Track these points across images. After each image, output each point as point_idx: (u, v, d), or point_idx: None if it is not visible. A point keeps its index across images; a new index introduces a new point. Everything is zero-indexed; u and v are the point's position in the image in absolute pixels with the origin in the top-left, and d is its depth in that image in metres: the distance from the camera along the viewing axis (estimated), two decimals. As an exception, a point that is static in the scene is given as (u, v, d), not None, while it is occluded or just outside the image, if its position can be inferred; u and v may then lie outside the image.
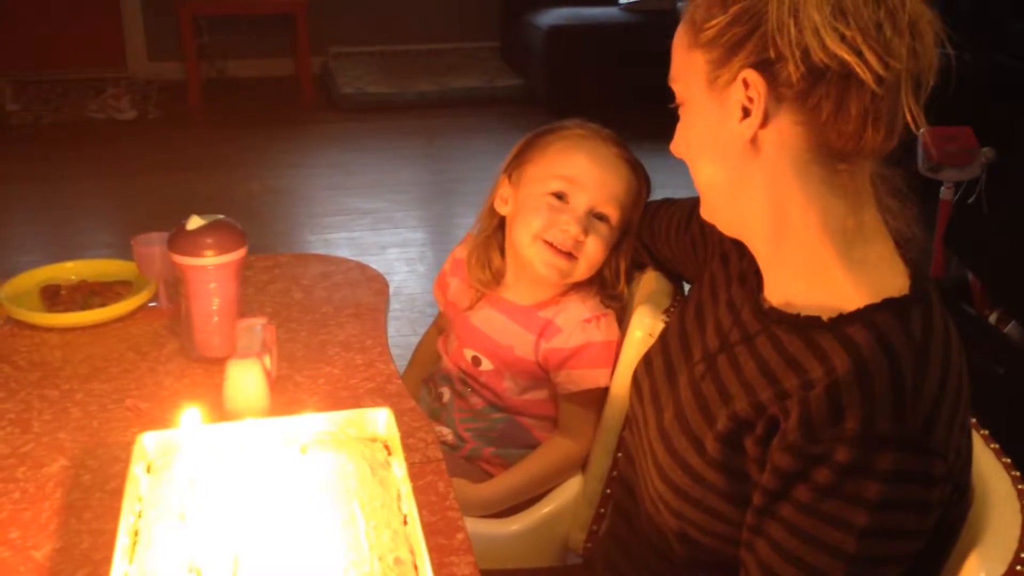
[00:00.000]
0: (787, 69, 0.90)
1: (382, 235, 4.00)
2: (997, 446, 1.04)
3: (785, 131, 0.94)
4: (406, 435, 1.20)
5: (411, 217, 4.24)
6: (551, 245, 1.45)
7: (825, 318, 0.95)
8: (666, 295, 1.43)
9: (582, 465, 1.52)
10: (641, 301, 1.43)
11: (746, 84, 0.93)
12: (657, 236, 1.44)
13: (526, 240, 1.47)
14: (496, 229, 1.56)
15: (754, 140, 0.95)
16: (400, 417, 1.20)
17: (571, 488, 1.51)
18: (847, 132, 0.91)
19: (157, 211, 3.82)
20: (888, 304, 0.94)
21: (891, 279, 0.97)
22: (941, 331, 0.94)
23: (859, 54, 0.88)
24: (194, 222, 1.42)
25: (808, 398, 0.91)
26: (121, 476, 1.11)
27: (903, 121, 0.94)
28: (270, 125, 5.29)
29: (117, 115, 5.34)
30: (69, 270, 1.68)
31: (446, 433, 1.59)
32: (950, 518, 0.96)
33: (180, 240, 1.41)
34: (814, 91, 0.90)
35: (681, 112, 1.03)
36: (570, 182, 1.45)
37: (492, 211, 1.56)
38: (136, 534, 1.02)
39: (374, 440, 1.18)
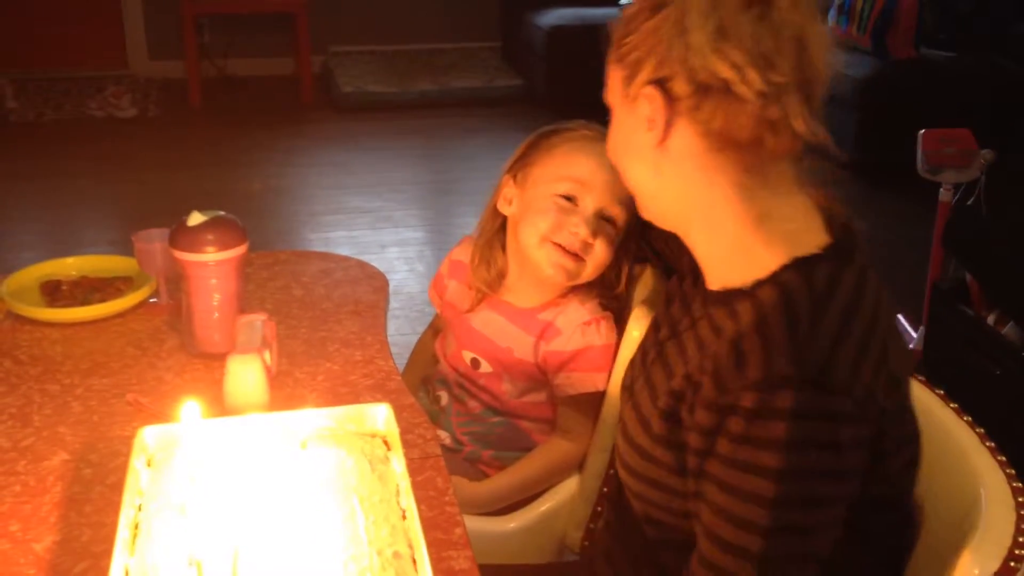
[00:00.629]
0: (679, 86, 0.98)
1: (382, 234, 4.01)
2: (992, 444, 1.05)
3: (687, 139, 1.01)
4: (405, 431, 1.20)
5: (411, 216, 4.24)
6: (559, 247, 1.45)
7: (747, 287, 1.01)
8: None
9: (580, 465, 1.52)
10: (640, 301, 1.44)
11: (648, 99, 1.01)
12: (649, 227, 1.44)
13: (534, 241, 1.47)
14: (499, 230, 1.56)
15: (662, 147, 1.02)
16: (399, 413, 1.20)
17: (568, 486, 1.52)
18: (743, 139, 0.98)
19: (157, 209, 3.82)
20: (796, 262, 0.99)
21: (806, 244, 1.01)
22: (851, 284, 0.98)
23: (739, 71, 0.95)
24: (195, 218, 1.42)
25: (718, 351, 0.98)
26: (121, 470, 1.12)
27: (810, 123, 0.98)
28: (270, 124, 5.30)
29: (118, 113, 5.34)
30: (70, 266, 1.69)
31: (444, 436, 1.59)
32: (890, 469, 0.99)
33: (181, 236, 1.42)
34: (704, 105, 0.98)
35: (610, 119, 1.11)
36: (579, 184, 1.45)
37: (495, 212, 1.55)
38: (136, 527, 1.03)
39: (373, 436, 1.19)
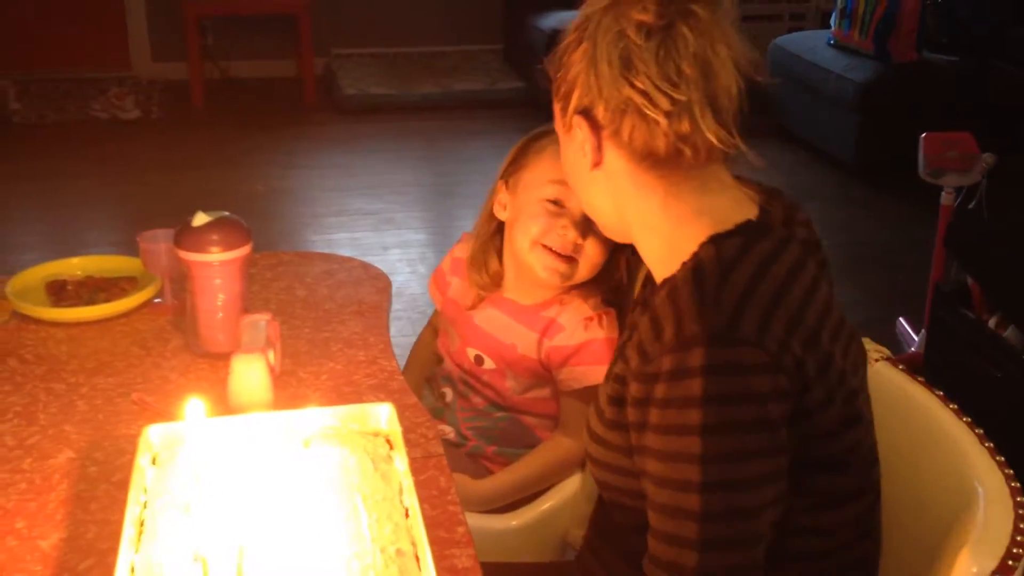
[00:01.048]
0: (599, 113, 1.07)
1: (384, 236, 4.02)
2: (992, 445, 1.06)
3: (616, 160, 1.09)
4: (408, 430, 1.21)
5: (413, 218, 4.25)
6: (551, 250, 1.47)
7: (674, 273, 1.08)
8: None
9: (582, 463, 1.53)
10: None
11: (578, 127, 1.10)
12: None
13: (525, 246, 1.49)
14: (494, 234, 1.57)
15: (599, 169, 1.11)
16: (402, 413, 1.21)
17: (571, 485, 1.52)
18: (663, 154, 1.05)
19: (160, 210, 3.83)
20: (711, 238, 1.07)
21: (726, 224, 1.08)
22: (763, 252, 1.05)
23: (646, 95, 1.03)
24: (200, 219, 1.43)
25: (641, 327, 1.05)
26: (127, 468, 1.13)
27: (727, 131, 1.05)
28: (273, 126, 5.31)
29: (121, 115, 5.35)
30: (75, 266, 1.70)
31: (448, 431, 1.60)
32: (824, 425, 1.02)
33: (186, 236, 1.43)
34: (623, 128, 1.06)
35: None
36: (565, 187, 1.46)
37: (490, 216, 1.57)
38: (142, 525, 1.03)
39: (376, 435, 1.19)
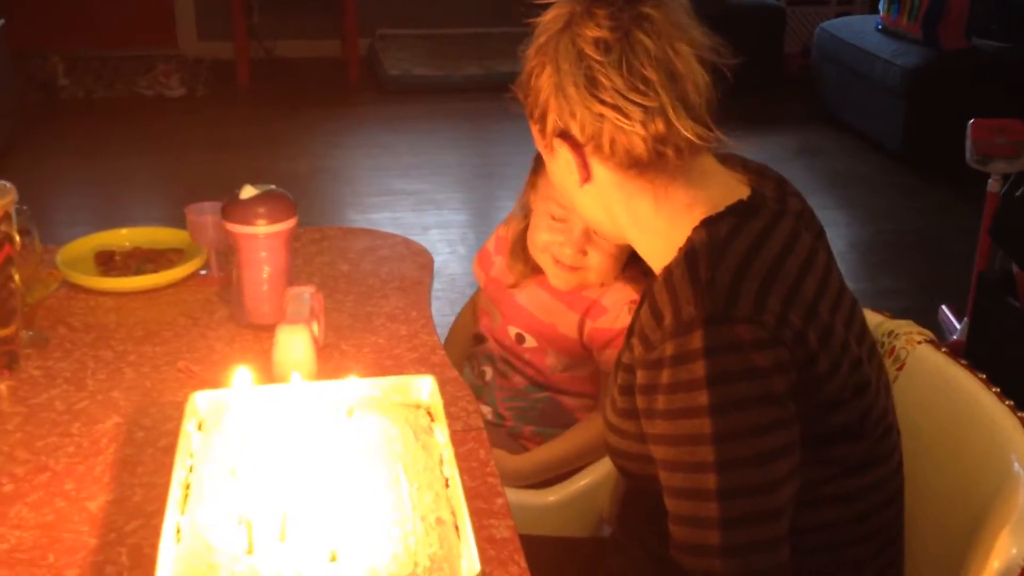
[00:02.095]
0: (576, 132, 1.08)
1: (425, 216, 4.03)
2: (1034, 430, 1.05)
3: (603, 173, 1.10)
4: (448, 403, 1.22)
5: (454, 199, 4.26)
6: (557, 260, 1.49)
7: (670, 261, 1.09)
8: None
9: None
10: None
11: (560, 148, 1.11)
12: None
13: (536, 251, 1.52)
14: (526, 227, 1.58)
15: (589, 183, 1.12)
16: (443, 386, 1.22)
17: (608, 462, 1.53)
18: (646, 159, 1.06)
19: (204, 187, 3.84)
20: (703, 222, 1.08)
21: (720, 208, 1.09)
22: (756, 229, 1.07)
23: (616, 108, 1.04)
24: (247, 191, 1.45)
25: (642, 316, 1.07)
26: (173, 434, 1.15)
27: (704, 125, 1.06)
28: (316, 105, 5.34)
29: (166, 92, 5.41)
30: (123, 237, 1.72)
31: (487, 411, 1.61)
32: (831, 393, 1.02)
33: (233, 209, 1.45)
34: (602, 143, 1.07)
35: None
36: (564, 208, 1.47)
37: (523, 207, 1.58)
38: (188, 488, 1.06)
39: (418, 407, 1.21)
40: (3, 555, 1.04)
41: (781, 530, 1.00)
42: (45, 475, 1.16)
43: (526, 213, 1.57)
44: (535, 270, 1.58)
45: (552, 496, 1.51)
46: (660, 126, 1.04)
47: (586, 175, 1.11)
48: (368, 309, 1.56)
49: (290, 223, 1.46)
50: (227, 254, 1.56)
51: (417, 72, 5.58)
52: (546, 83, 1.09)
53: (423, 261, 1.74)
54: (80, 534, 1.07)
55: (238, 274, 1.48)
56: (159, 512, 1.00)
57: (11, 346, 1.35)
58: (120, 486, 1.15)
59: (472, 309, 1.77)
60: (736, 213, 1.08)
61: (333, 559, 0.94)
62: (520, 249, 1.59)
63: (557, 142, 1.10)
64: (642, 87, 1.04)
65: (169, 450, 1.12)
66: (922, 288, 3.44)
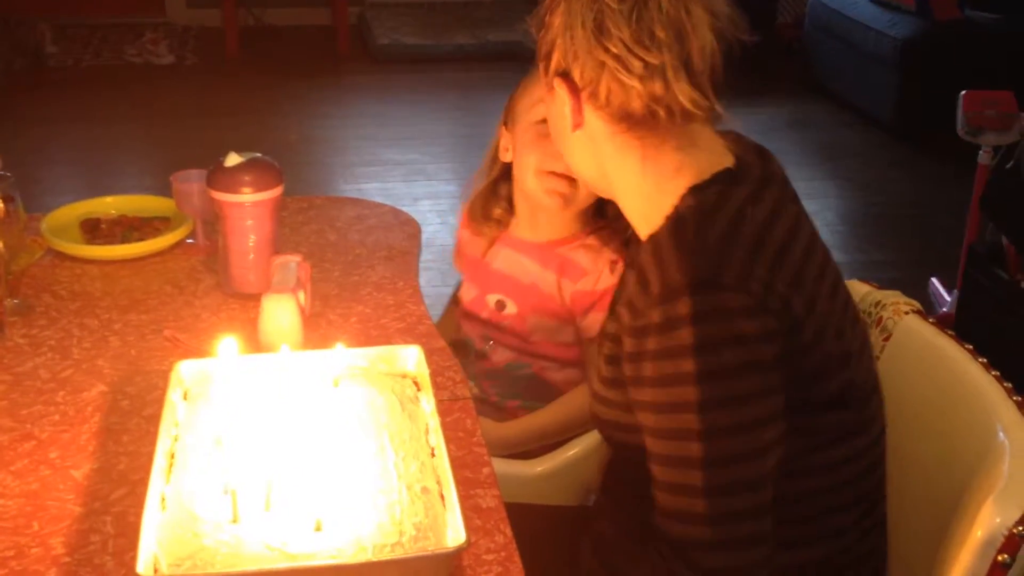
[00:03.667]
0: (576, 75, 1.08)
1: (415, 186, 4.01)
2: (1020, 398, 1.06)
3: (595, 121, 1.10)
4: (435, 373, 1.22)
5: (444, 170, 4.24)
6: (551, 173, 1.47)
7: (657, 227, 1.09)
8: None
9: None
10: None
11: (558, 89, 1.10)
12: None
13: (529, 176, 1.49)
14: (498, 179, 1.58)
15: (580, 129, 1.12)
16: (430, 356, 1.22)
17: (596, 433, 1.53)
18: (639, 115, 1.06)
19: (192, 155, 3.80)
20: (691, 189, 1.08)
21: (707, 175, 1.09)
22: (742, 197, 1.06)
23: (619, 59, 1.03)
24: (232, 159, 1.44)
25: (628, 282, 1.07)
26: (158, 402, 1.15)
27: (702, 93, 1.05)
28: (306, 74, 5.29)
29: (155, 60, 5.36)
30: (109, 205, 1.71)
31: (472, 389, 1.60)
32: (815, 362, 1.02)
33: (218, 177, 1.44)
34: (599, 90, 1.07)
35: None
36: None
37: (493, 161, 1.58)
38: (173, 457, 1.05)
39: (404, 376, 1.21)
40: (-13, 523, 1.03)
41: (766, 498, 1.01)
42: (30, 443, 1.16)
43: (494, 166, 1.56)
44: (500, 224, 1.58)
45: (540, 467, 1.51)
46: (658, 86, 1.04)
47: (579, 121, 1.10)
48: (355, 278, 1.55)
49: (276, 191, 1.45)
50: (213, 223, 1.55)
51: (407, 41, 5.54)
52: (558, 20, 1.08)
53: (411, 231, 1.73)
54: (65, 502, 1.07)
55: (224, 243, 1.47)
56: (144, 481, 1.00)
57: (-5, 314, 1.34)
58: (105, 454, 1.14)
59: (454, 305, 1.75)
60: (722, 181, 1.08)
61: (318, 528, 0.94)
62: (482, 205, 1.58)
63: (557, 82, 1.10)
64: (648, 43, 1.03)
65: (154, 419, 1.12)
66: (912, 260, 3.44)
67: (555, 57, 1.09)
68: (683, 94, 1.04)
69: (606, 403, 1.14)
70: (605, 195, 1.20)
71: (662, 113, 1.05)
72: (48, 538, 1.02)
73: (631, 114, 1.06)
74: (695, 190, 1.07)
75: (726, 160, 1.11)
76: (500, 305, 1.58)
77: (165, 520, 0.96)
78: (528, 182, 1.50)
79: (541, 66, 1.13)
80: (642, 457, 1.07)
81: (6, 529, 1.03)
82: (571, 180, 1.46)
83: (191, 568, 0.90)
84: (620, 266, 1.49)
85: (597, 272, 1.50)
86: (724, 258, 1.00)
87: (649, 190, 1.10)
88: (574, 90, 1.09)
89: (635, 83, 1.04)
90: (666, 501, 1.03)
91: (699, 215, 1.04)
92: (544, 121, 1.46)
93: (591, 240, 1.52)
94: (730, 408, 0.99)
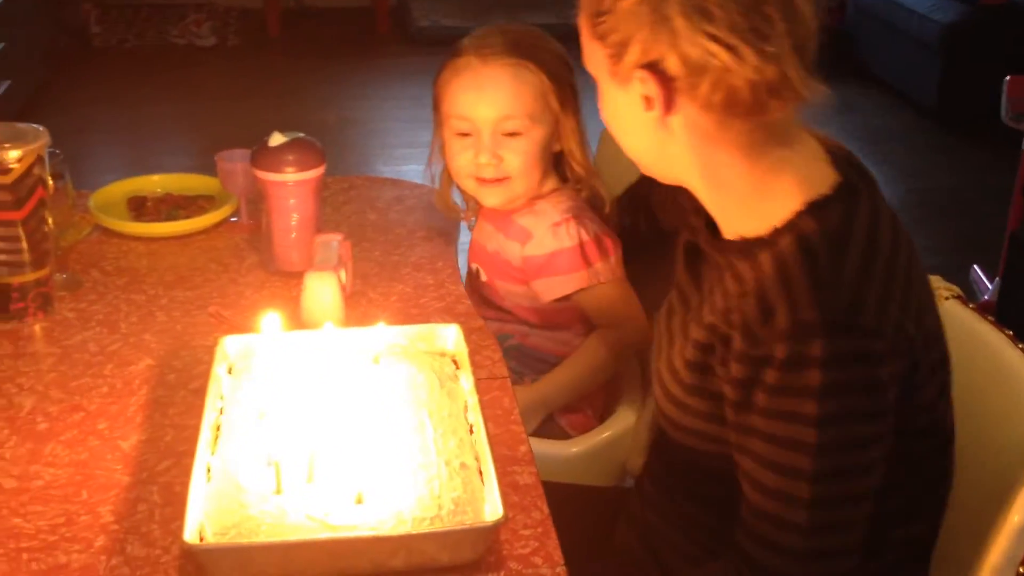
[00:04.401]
0: (672, 67, 0.95)
1: (453, 168, 4.03)
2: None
3: (689, 114, 0.99)
4: (473, 352, 1.23)
5: (482, 152, 4.25)
6: (479, 179, 1.50)
7: (766, 235, 1.01)
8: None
9: (618, 357, 1.55)
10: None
11: (642, 81, 0.98)
12: (649, 195, 1.42)
13: (460, 179, 1.53)
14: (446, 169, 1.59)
15: (664, 122, 1.00)
16: (468, 335, 1.23)
17: (630, 414, 1.54)
18: (746, 107, 0.96)
19: (234, 135, 3.83)
20: (810, 207, 0.99)
21: (817, 187, 1.01)
22: (866, 220, 0.99)
23: (732, 49, 0.92)
24: (276, 139, 1.46)
25: (743, 305, 0.98)
26: (204, 376, 1.17)
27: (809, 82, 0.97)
28: (346, 56, 5.32)
29: (197, 41, 5.41)
30: (155, 183, 1.74)
31: None
32: (927, 397, 0.99)
33: (262, 156, 1.46)
34: (701, 84, 0.95)
35: (598, 87, 1.07)
36: (463, 119, 1.48)
37: (440, 148, 1.58)
38: (218, 429, 1.08)
39: (443, 354, 1.22)
40: (38, 491, 1.06)
41: (858, 536, 0.98)
42: (79, 414, 1.19)
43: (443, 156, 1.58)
44: (468, 209, 1.61)
45: (575, 447, 1.52)
46: (771, 72, 0.93)
47: (667, 114, 0.99)
48: (395, 258, 1.57)
49: (319, 171, 1.47)
50: (256, 201, 1.57)
51: (446, 23, 5.55)
52: (639, 10, 0.95)
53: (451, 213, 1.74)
54: (113, 472, 1.09)
55: (267, 221, 1.49)
56: (189, 452, 1.02)
57: (45, 288, 1.37)
58: (152, 426, 1.17)
59: None
60: (841, 198, 0.99)
61: (359, 501, 0.96)
62: (449, 190, 1.61)
63: (640, 74, 0.97)
64: (761, 26, 0.92)
65: (200, 392, 1.14)
66: (954, 247, 3.41)
67: (636, 48, 0.96)
68: (799, 82, 0.94)
69: (682, 407, 1.09)
70: (669, 181, 1.10)
71: (774, 104, 0.95)
72: (97, 506, 1.04)
73: (737, 105, 0.96)
74: (815, 209, 0.99)
75: (822, 164, 1.03)
76: (478, 273, 1.60)
77: (210, 490, 0.98)
78: (463, 185, 1.55)
79: (604, 53, 1.00)
80: (710, 463, 1.06)
81: (56, 497, 1.05)
82: (501, 181, 1.50)
83: (236, 537, 0.93)
84: (563, 229, 1.50)
85: (541, 235, 1.52)
86: (860, 297, 0.93)
87: (744, 188, 1.02)
88: (665, 81, 0.97)
89: (747, 72, 0.93)
90: (758, 527, 0.99)
91: (830, 244, 0.96)
92: (466, 134, 1.48)
93: (540, 205, 1.54)
94: (848, 453, 0.95)
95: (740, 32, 0.92)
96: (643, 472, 1.30)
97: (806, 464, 0.94)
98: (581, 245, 1.50)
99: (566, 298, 1.53)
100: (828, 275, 0.94)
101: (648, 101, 0.99)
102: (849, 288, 0.94)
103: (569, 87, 1.51)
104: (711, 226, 1.10)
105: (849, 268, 0.95)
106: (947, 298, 1.20)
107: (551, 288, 1.53)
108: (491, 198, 1.53)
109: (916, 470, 1.04)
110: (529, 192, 1.53)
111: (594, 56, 1.03)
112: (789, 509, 0.96)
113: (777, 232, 0.99)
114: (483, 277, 1.61)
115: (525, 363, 1.59)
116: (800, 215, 0.99)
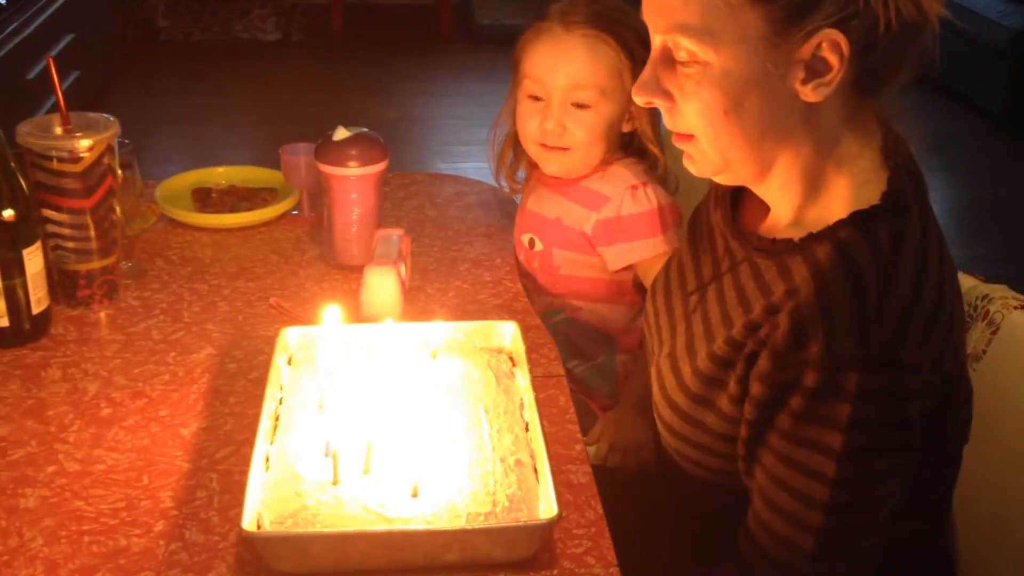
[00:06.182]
0: (868, 26, 0.88)
1: (511, 167, 4.03)
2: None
3: (840, 88, 0.92)
4: (530, 350, 1.23)
5: (541, 150, 4.25)
6: (544, 145, 1.49)
7: (797, 239, 0.96)
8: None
9: None
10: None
11: (822, 45, 0.89)
12: None
13: (527, 143, 1.53)
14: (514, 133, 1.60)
15: (804, 97, 0.92)
16: (525, 333, 1.24)
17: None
18: (889, 79, 0.91)
19: (295, 130, 3.87)
20: (854, 217, 0.93)
21: (867, 191, 0.95)
22: (916, 239, 0.93)
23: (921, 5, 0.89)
24: (340, 133, 1.47)
25: (775, 324, 0.93)
26: (264, 366, 1.19)
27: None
28: (408, 53, 5.35)
29: (262, 36, 5.47)
30: (220, 175, 1.76)
31: None
32: (949, 433, 0.96)
33: (326, 150, 1.47)
34: (881, 46, 0.89)
35: (688, 74, 0.94)
36: (537, 82, 1.48)
37: (511, 112, 1.59)
38: (277, 419, 1.09)
39: (500, 351, 1.23)
40: (100, 475, 1.08)
41: (863, 566, 0.96)
42: (142, 401, 1.21)
43: (512, 119, 1.58)
44: (531, 166, 1.60)
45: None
46: (929, 37, 0.89)
47: (832, 81, 0.91)
48: (453, 254, 1.58)
49: (381, 166, 1.48)
50: (319, 195, 1.58)
51: (508, 22, 5.55)
52: None
53: (509, 210, 1.75)
54: (174, 458, 1.11)
55: (329, 215, 1.51)
56: (249, 441, 1.03)
57: (111, 276, 1.40)
58: (212, 414, 1.18)
59: None
60: (890, 212, 0.94)
61: (415, 494, 0.97)
62: (508, 154, 1.62)
63: (830, 34, 0.88)
64: None
65: (259, 382, 1.16)
66: (1019, 257, 3.34)
67: (828, 6, 0.88)
68: (928, 54, 0.90)
69: (685, 417, 1.06)
70: (728, 179, 1.01)
71: (898, 77, 0.91)
72: (157, 491, 1.06)
73: (883, 74, 0.90)
74: (861, 220, 0.93)
75: (875, 157, 0.97)
76: (532, 244, 1.59)
77: (269, 479, 0.99)
78: (528, 149, 1.54)
79: (781, 12, 0.88)
80: (709, 476, 1.05)
81: (118, 481, 1.07)
82: (563, 151, 1.49)
83: (292, 526, 0.94)
84: (641, 192, 1.49)
85: (617, 199, 1.50)
86: (904, 332, 0.89)
87: (810, 177, 0.97)
88: (839, 50, 0.89)
89: (935, 29, 0.89)
90: (766, 540, 0.96)
91: (880, 269, 0.91)
92: (537, 98, 1.48)
93: (613, 169, 1.53)
94: (864, 487, 0.92)
95: None
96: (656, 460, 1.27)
97: (822, 494, 0.91)
98: (660, 209, 1.49)
99: (629, 267, 1.52)
100: (876, 306, 0.89)
101: (813, 71, 0.90)
102: (894, 323, 0.89)
103: None
104: (724, 206, 1.08)
105: (898, 298, 0.89)
106: (1016, 308, 1.18)
107: (624, 254, 1.51)
108: (551, 165, 1.52)
109: (926, 495, 1.01)
110: (588, 166, 1.52)
111: (734, 26, 0.90)
112: (797, 532, 0.94)
113: (813, 238, 0.95)
114: (538, 247, 1.58)
115: (571, 340, 1.58)
116: (843, 224, 0.94)
